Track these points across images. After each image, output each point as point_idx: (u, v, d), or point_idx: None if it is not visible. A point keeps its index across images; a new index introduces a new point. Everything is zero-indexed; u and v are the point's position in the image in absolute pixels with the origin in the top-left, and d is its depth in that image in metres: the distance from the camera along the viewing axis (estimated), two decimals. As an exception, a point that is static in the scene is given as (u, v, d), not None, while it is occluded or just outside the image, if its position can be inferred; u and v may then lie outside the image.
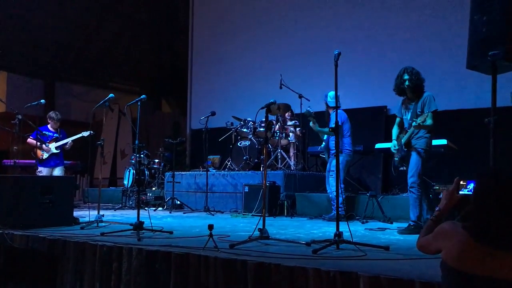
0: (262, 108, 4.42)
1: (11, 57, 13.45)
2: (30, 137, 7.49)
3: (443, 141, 6.53)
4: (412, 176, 4.93)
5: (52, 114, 7.73)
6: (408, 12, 8.70)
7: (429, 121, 4.83)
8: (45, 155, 7.46)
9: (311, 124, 6.46)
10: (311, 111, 6.40)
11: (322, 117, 6.68)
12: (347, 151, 6.43)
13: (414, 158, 4.97)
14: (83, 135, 7.53)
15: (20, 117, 6.76)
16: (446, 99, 7.45)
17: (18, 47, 13.27)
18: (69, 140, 7.63)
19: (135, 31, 15.06)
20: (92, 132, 7.53)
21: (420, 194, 4.92)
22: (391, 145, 5.26)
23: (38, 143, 7.34)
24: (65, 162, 8.13)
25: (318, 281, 2.83)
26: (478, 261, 1.90)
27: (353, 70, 8.57)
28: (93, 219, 5.32)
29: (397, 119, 5.31)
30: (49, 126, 7.73)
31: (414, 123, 4.81)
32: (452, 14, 7.99)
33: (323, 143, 6.71)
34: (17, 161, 7.89)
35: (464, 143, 7.18)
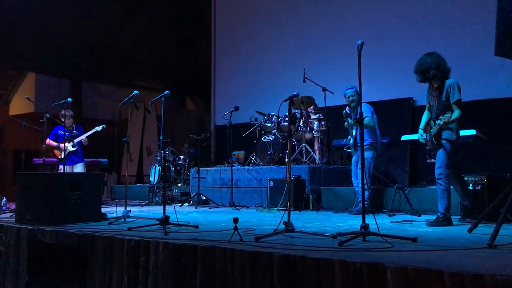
0: (285, 100, 4.38)
1: (39, 58, 13.76)
2: (48, 138, 7.59)
3: (472, 131, 6.37)
4: (440, 167, 4.84)
5: (64, 112, 7.56)
6: (432, 0, 8.53)
7: (456, 113, 4.76)
8: (63, 154, 7.35)
9: (345, 124, 6.45)
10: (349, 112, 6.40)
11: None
12: (375, 143, 6.38)
13: (441, 149, 4.89)
14: (97, 129, 7.61)
15: (48, 116, 6.90)
16: (475, 88, 7.27)
17: (46, 48, 13.56)
18: (83, 136, 7.66)
19: (159, 30, 15.18)
20: (104, 126, 7.60)
21: (448, 185, 4.82)
22: (418, 135, 5.18)
23: (56, 144, 7.43)
24: (86, 159, 8.18)
25: (345, 273, 2.80)
26: None
27: (378, 61, 8.43)
28: (120, 215, 5.39)
29: (427, 105, 5.21)
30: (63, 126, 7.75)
31: (439, 121, 4.77)
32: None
33: (351, 139, 6.56)
34: (46, 159, 8.07)
35: (494, 134, 7.00)
